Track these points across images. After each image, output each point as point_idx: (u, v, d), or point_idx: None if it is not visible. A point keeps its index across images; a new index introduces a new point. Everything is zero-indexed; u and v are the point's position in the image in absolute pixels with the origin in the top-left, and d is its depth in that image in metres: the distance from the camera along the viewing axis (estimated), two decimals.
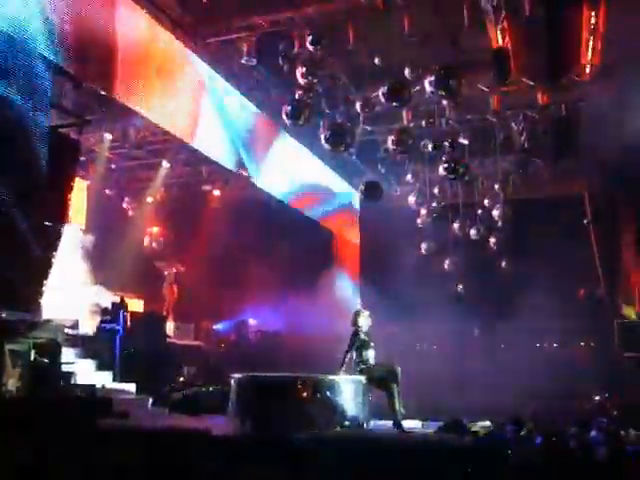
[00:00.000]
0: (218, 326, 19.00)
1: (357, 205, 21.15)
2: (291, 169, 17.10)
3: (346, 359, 10.18)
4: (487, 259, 18.83)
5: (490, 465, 7.55)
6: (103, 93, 11.59)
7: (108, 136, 15.69)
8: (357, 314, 10.46)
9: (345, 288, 20.90)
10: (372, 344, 10.23)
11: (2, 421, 8.26)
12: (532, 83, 15.09)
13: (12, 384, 9.45)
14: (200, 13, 12.88)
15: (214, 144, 14.11)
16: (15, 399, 9.36)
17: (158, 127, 13.43)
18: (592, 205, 18.50)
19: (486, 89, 15.38)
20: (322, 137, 12.81)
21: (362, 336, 10.21)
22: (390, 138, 14.38)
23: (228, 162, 14.83)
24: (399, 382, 10.02)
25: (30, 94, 9.30)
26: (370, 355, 10.18)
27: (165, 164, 17.04)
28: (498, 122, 16.87)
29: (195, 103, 13.43)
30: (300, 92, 12.68)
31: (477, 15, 12.58)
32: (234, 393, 10.33)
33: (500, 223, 18.32)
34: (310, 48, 12.08)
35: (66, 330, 11.74)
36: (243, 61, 13.31)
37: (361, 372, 10.11)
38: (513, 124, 16.85)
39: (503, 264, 18.99)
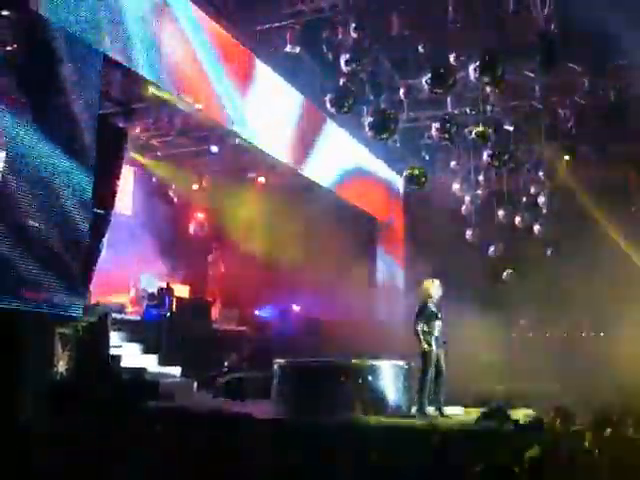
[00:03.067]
0: (262, 312, 19.17)
1: (401, 192, 21.12)
2: (336, 156, 17.15)
3: (418, 330, 9.88)
4: (532, 247, 18.64)
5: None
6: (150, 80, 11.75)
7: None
8: (429, 284, 10.19)
9: (389, 275, 20.95)
10: (440, 315, 9.98)
11: (53, 402, 8.52)
12: (579, 68, 14.90)
13: (62, 366, 9.72)
14: (244, 1, 12.94)
15: (262, 131, 14.22)
16: (65, 381, 9.62)
17: (203, 114, 13.52)
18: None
19: (532, 75, 15.20)
20: (366, 124, 12.78)
21: (432, 307, 9.97)
22: (434, 125, 14.30)
23: (275, 151, 14.96)
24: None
25: (80, 82, 9.50)
26: (437, 326, 9.93)
27: (214, 148, 17.12)
28: (544, 108, 16.62)
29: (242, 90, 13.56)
30: (344, 79, 12.66)
31: None
32: (277, 378, 10.48)
33: (545, 210, 18.11)
34: (354, 35, 12.05)
35: (113, 314, 12.00)
36: (287, 49, 13.33)
37: (428, 344, 9.86)
38: (560, 110, 16.61)
39: (549, 252, 18.77)
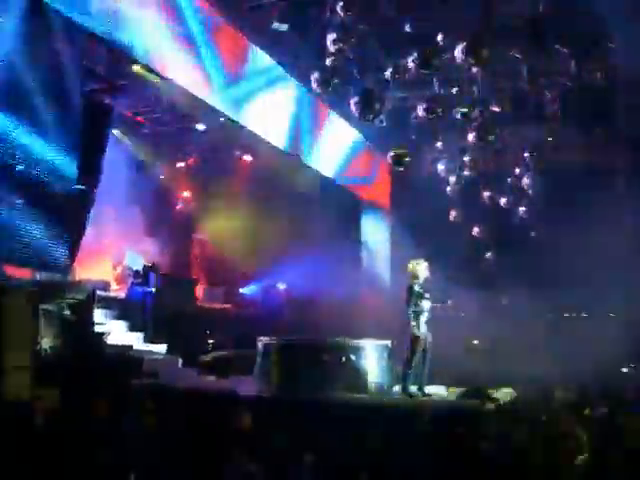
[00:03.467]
0: (247, 290, 19.23)
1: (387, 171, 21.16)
2: (326, 138, 17.22)
3: (408, 313, 9.89)
4: (517, 228, 18.76)
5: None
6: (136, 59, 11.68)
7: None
8: (414, 265, 10.15)
9: (374, 255, 21.04)
10: (427, 295, 9.95)
11: (37, 379, 8.55)
12: (566, 50, 14.90)
13: (46, 343, 9.74)
14: None
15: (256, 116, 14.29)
16: (50, 357, 9.64)
17: (189, 92, 13.47)
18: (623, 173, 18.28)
19: (519, 56, 15.20)
20: (351, 103, 12.78)
21: (417, 288, 9.92)
22: (421, 105, 14.31)
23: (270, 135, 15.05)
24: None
25: (63, 59, 9.45)
26: (426, 306, 9.92)
27: (200, 126, 17.07)
28: (530, 90, 16.63)
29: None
30: (330, 58, 12.61)
31: None
32: (260, 356, 10.55)
33: (530, 192, 18.20)
34: (341, 14, 12.00)
35: (98, 292, 12.00)
36: (274, 26, 13.26)
37: (417, 327, 9.81)
38: (546, 92, 16.63)
39: (532, 233, 18.91)
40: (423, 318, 9.86)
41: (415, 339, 9.83)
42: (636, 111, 16.04)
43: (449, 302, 10.50)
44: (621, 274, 16.23)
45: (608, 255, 16.40)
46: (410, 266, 10.16)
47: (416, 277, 10.03)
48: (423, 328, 9.85)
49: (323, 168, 17.83)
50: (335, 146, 18.07)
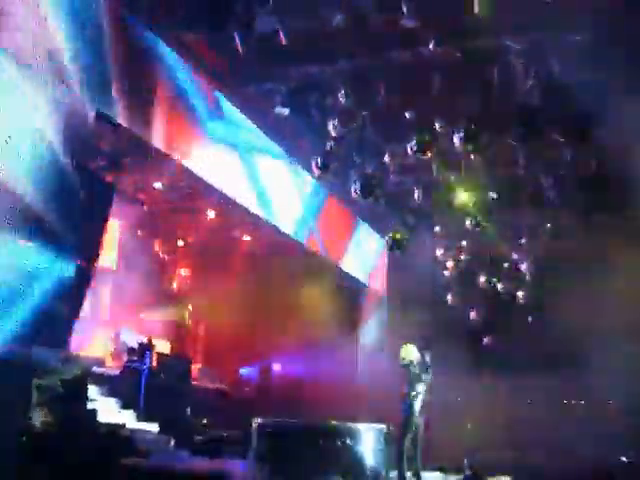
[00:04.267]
0: (243, 370, 19.05)
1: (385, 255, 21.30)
2: (320, 218, 17.42)
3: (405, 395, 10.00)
4: (514, 313, 18.76)
5: None
6: (139, 137, 11.93)
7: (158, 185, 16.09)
8: (403, 349, 10.30)
9: (373, 338, 20.93)
10: (424, 377, 10.04)
11: (28, 454, 8.40)
12: (562, 139, 15.21)
13: (38, 418, 9.58)
14: (235, 62, 13.19)
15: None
16: (41, 434, 9.48)
17: (191, 172, 13.69)
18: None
19: (515, 143, 15.50)
20: (352, 187, 12.99)
21: (412, 369, 10.03)
22: (419, 189, 14.53)
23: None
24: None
25: (72, 137, 9.63)
26: (420, 389, 9.98)
27: (211, 213, 17.41)
28: (527, 176, 16.91)
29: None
30: (331, 142, 12.90)
31: (506, 71, 12.78)
32: (255, 438, 10.37)
33: (528, 277, 18.27)
34: (342, 100, 12.32)
35: (93, 368, 11.90)
36: (276, 111, 13.58)
37: (410, 406, 9.93)
38: (542, 178, 16.90)
39: (530, 319, 18.89)
40: (418, 401, 9.84)
41: (407, 419, 9.78)
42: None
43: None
44: (620, 360, 16.13)
45: (606, 341, 16.36)
46: (401, 350, 10.21)
47: (407, 359, 10.08)
48: (417, 411, 9.81)
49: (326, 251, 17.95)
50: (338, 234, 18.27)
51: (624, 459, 14.59)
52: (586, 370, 16.41)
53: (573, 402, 18.85)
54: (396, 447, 9.88)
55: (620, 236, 17.92)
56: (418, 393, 9.90)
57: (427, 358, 10.20)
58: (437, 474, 10.59)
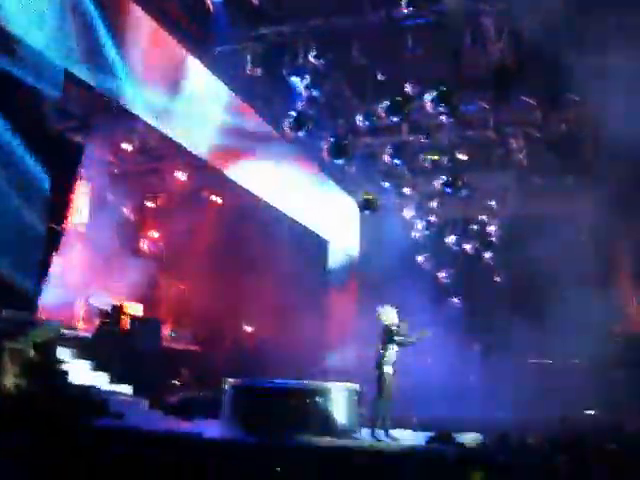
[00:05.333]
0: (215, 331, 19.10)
1: (356, 216, 21.37)
2: (291, 178, 17.33)
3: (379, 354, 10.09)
4: (482, 273, 19.01)
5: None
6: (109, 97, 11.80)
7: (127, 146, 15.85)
8: (385, 311, 10.34)
9: (341, 299, 21.07)
10: (397, 339, 10.08)
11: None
12: (532, 101, 15.31)
13: (10, 381, 9.57)
14: (207, 22, 13.04)
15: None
16: (13, 396, 9.48)
17: (160, 132, 13.58)
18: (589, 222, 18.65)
19: (486, 105, 15.58)
20: (324, 149, 12.98)
21: (391, 331, 10.09)
22: (389, 151, 14.55)
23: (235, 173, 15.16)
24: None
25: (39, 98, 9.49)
26: (394, 352, 10.07)
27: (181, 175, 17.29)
28: (497, 138, 17.02)
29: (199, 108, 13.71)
30: (302, 103, 12.85)
31: (480, 33, 12.78)
32: (228, 398, 10.47)
33: (495, 238, 18.50)
34: (314, 61, 12.25)
35: (65, 331, 11.86)
36: (248, 71, 13.47)
37: (383, 367, 10.01)
38: (512, 140, 17.02)
39: (497, 279, 19.15)
40: (391, 359, 10.00)
41: (381, 380, 9.94)
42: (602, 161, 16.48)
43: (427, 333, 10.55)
44: (585, 319, 16.47)
45: (572, 301, 16.65)
46: (378, 312, 10.31)
47: (385, 321, 10.19)
48: (390, 370, 9.97)
49: (293, 211, 17.91)
50: (304, 190, 18.20)
51: (589, 412, 15.05)
52: (552, 330, 16.74)
53: (539, 361, 19.20)
54: (371, 406, 10.01)
55: (586, 198, 18.22)
56: (392, 355, 10.04)
57: (403, 328, 10.28)
58: (407, 432, 10.77)
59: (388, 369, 9.97)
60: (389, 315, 10.28)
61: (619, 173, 15.79)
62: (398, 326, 10.21)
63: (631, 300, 18.25)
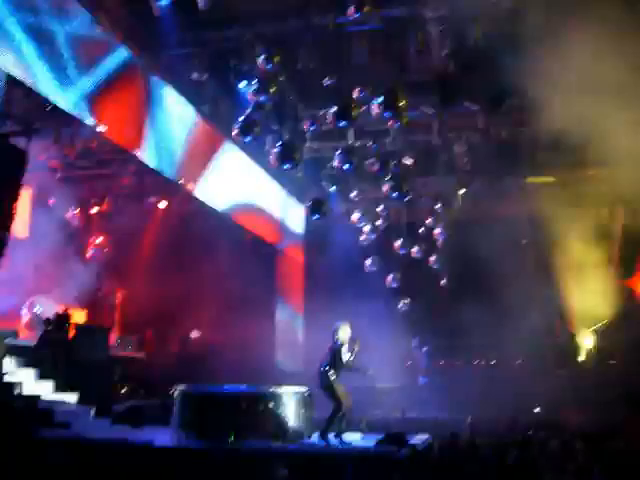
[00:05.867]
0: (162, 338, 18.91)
1: (302, 221, 21.44)
2: (236, 183, 17.28)
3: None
4: (429, 277, 19.26)
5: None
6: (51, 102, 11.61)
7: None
8: (339, 329, 10.21)
9: (286, 306, 21.09)
10: (346, 359, 10.06)
11: None
12: (474, 107, 15.60)
13: None
14: (152, 26, 12.92)
15: (158, 155, 14.27)
16: None
17: (105, 136, 13.41)
18: (532, 225, 19.06)
19: (430, 111, 15.82)
20: (271, 154, 12.99)
21: (341, 352, 10.05)
22: (336, 155, 14.63)
23: (170, 173, 15.01)
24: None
25: None
26: (338, 373, 10.05)
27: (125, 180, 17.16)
28: (441, 144, 17.31)
29: (141, 113, 13.57)
30: (250, 108, 12.84)
31: (424, 39, 12.98)
32: (178, 405, 10.38)
33: (440, 242, 18.78)
34: (262, 65, 12.26)
35: (6, 339, 11.60)
36: (194, 76, 13.42)
37: (330, 386, 10.01)
38: (455, 146, 17.32)
39: (442, 282, 19.43)
40: (337, 381, 10.05)
41: (336, 388, 9.96)
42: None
43: (370, 372, 10.61)
44: (528, 321, 16.84)
45: (514, 304, 17.00)
46: (339, 327, 10.27)
47: (341, 340, 10.18)
48: (339, 388, 10.03)
49: (233, 210, 17.82)
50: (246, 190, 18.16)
51: (537, 410, 15.43)
52: (498, 332, 17.07)
53: (484, 362, 19.54)
54: (330, 414, 10.00)
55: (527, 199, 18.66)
56: (336, 376, 10.07)
57: (356, 347, 10.29)
58: (357, 434, 10.84)
59: (335, 388, 10.01)
60: (345, 332, 10.24)
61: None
62: (354, 341, 10.24)
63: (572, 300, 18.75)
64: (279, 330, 20.03)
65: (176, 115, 14.50)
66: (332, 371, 10.00)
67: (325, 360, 10.11)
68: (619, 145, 12.34)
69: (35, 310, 14.42)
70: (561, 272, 18.63)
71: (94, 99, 12.13)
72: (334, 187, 17.54)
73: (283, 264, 21.20)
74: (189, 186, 15.49)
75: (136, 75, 13.37)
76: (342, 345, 10.12)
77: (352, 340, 10.22)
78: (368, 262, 18.81)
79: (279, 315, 20.48)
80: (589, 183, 17.85)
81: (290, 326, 20.79)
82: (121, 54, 12.72)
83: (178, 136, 14.70)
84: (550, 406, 15.22)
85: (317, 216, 15.00)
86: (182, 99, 14.54)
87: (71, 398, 11.88)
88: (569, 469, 7.49)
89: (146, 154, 14.05)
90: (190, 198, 16.44)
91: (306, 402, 10.57)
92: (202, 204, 16.36)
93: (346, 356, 10.07)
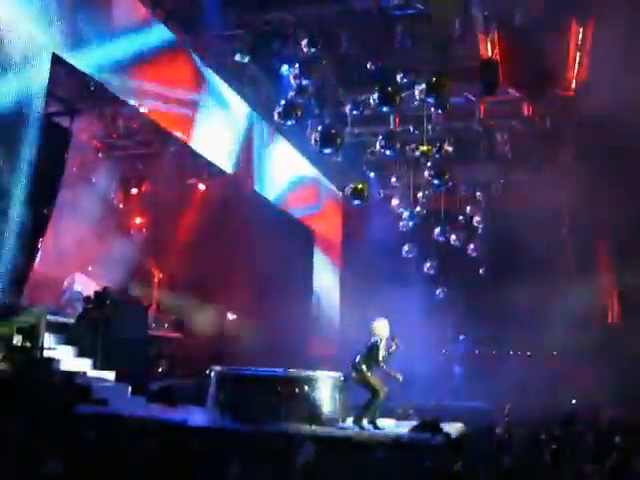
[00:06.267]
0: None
1: (341, 205, 21.42)
2: (279, 168, 17.32)
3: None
4: (467, 265, 19.11)
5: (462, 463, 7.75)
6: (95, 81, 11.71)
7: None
8: (378, 325, 10.22)
9: (325, 288, 21.11)
10: (383, 356, 10.03)
11: None
12: (518, 94, 15.40)
13: None
14: (196, 8, 12.95)
15: (209, 141, 14.35)
16: None
17: (147, 117, 13.51)
18: (572, 218, 18.83)
19: (473, 98, 15.65)
20: (312, 138, 12.96)
21: (381, 349, 10.03)
22: (377, 141, 14.56)
23: (221, 160, 15.07)
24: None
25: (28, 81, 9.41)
26: (373, 370, 10.08)
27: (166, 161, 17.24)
28: (483, 131, 17.13)
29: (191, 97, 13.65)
30: (292, 92, 12.82)
31: (468, 24, 12.83)
32: (214, 385, 10.47)
33: (480, 230, 18.61)
34: (304, 49, 12.22)
35: (49, 316, 11.77)
36: (236, 58, 13.42)
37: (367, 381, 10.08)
38: (497, 134, 17.14)
39: (481, 271, 19.27)
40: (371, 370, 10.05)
41: (370, 379, 9.97)
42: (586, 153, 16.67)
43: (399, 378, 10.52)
44: (567, 310, 16.65)
45: (555, 296, 16.83)
46: (375, 325, 10.22)
47: (380, 336, 10.14)
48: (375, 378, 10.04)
49: (273, 195, 17.87)
50: (285, 175, 18.18)
51: (573, 402, 15.32)
52: (536, 323, 16.92)
53: (522, 353, 19.41)
54: (368, 402, 10.01)
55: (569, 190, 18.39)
56: (370, 370, 10.04)
57: (394, 346, 10.26)
58: (391, 420, 10.84)
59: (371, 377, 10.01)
60: (384, 330, 10.19)
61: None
62: (393, 339, 10.21)
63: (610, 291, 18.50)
64: (313, 314, 20.05)
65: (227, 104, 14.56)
66: (364, 366, 10.00)
67: (360, 354, 10.11)
68: None
69: (75, 287, 14.59)
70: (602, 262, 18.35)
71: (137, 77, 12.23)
72: (373, 173, 17.45)
73: (322, 248, 21.21)
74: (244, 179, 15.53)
75: (181, 56, 13.43)
76: (380, 341, 10.10)
77: (391, 338, 10.20)
78: (405, 248, 18.71)
79: (315, 299, 20.50)
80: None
81: (326, 311, 20.80)
82: (164, 34, 12.78)
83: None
84: (587, 398, 15.06)
85: (357, 202, 14.92)
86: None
87: (109, 376, 12.04)
88: (607, 463, 7.40)
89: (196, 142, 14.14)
90: (230, 180, 16.49)
91: (341, 387, 10.58)
92: (241, 186, 16.40)
93: (382, 353, 10.06)
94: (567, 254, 18.54)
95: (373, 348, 10.07)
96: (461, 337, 19.06)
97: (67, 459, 7.77)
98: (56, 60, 10.26)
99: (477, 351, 19.49)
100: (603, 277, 18.64)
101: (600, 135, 15.88)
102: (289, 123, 12.93)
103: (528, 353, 19.56)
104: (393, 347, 10.15)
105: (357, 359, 10.08)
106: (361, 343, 10.26)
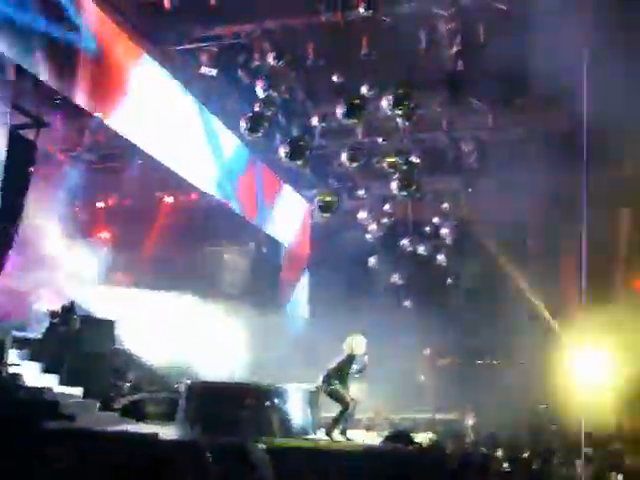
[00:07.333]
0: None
1: (308, 218, 21.39)
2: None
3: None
4: (434, 275, 19.22)
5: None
6: (60, 95, 11.61)
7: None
8: (353, 340, 10.22)
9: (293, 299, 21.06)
10: (355, 369, 10.16)
11: None
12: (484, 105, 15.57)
13: None
14: (160, 20, 12.91)
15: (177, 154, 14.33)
16: None
17: (113, 131, 13.40)
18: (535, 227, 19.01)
19: (439, 109, 15.78)
20: (281, 150, 12.98)
21: (355, 364, 10.12)
22: (344, 153, 14.62)
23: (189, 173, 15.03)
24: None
25: None
26: (342, 383, 10.10)
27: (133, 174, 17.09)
28: (449, 142, 17.26)
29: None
30: (259, 104, 12.84)
31: (434, 37, 12.94)
32: (184, 399, 10.40)
33: (448, 241, 18.73)
34: (271, 61, 12.26)
35: (13, 332, 11.61)
36: (202, 71, 13.40)
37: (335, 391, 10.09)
38: (463, 144, 17.26)
39: (448, 281, 19.40)
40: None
41: (340, 391, 9.97)
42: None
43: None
44: (532, 323, 16.81)
45: (520, 304, 16.98)
46: (351, 340, 10.22)
47: (354, 352, 10.15)
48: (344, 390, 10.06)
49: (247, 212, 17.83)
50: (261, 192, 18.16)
51: (543, 406, 15.44)
52: (501, 331, 17.04)
53: (488, 362, 19.52)
54: (338, 414, 10.00)
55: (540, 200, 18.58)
56: (341, 383, 10.04)
57: (366, 361, 10.27)
58: (361, 432, 10.86)
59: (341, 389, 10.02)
60: (360, 346, 10.20)
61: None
62: (363, 355, 10.21)
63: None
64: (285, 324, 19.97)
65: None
66: (335, 379, 10.00)
67: (333, 367, 10.10)
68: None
69: (40, 303, 14.40)
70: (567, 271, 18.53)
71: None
72: (341, 185, 17.52)
73: (289, 259, 21.16)
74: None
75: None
76: (354, 357, 10.10)
77: (364, 354, 10.21)
78: (372, 260, 18.78)
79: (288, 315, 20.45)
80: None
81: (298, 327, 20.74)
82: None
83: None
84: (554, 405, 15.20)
85: (326, 213, 14.96)
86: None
87: (76, 392, 11.88)
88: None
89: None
90: (198, 192, 16.42)
91: (312, 399, 10.57)
92: (204, 195, 16.32)
93: (354, 368, 10.07)
94: (533, 266, 18.71)
95: (346, 362, 10.08)
96: (427, 347, 19.14)
97: (35, 476, 7.67)
98: (20, 72, 10.16)
99: (444, 361, 19.57)
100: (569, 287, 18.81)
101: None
102: (257, 135, 12.92)
103: (496, 362, 19.67)
104: (365, 362, 10.17)
105: (328, 372, 10.07)
106: (330, 356, 10.24)
